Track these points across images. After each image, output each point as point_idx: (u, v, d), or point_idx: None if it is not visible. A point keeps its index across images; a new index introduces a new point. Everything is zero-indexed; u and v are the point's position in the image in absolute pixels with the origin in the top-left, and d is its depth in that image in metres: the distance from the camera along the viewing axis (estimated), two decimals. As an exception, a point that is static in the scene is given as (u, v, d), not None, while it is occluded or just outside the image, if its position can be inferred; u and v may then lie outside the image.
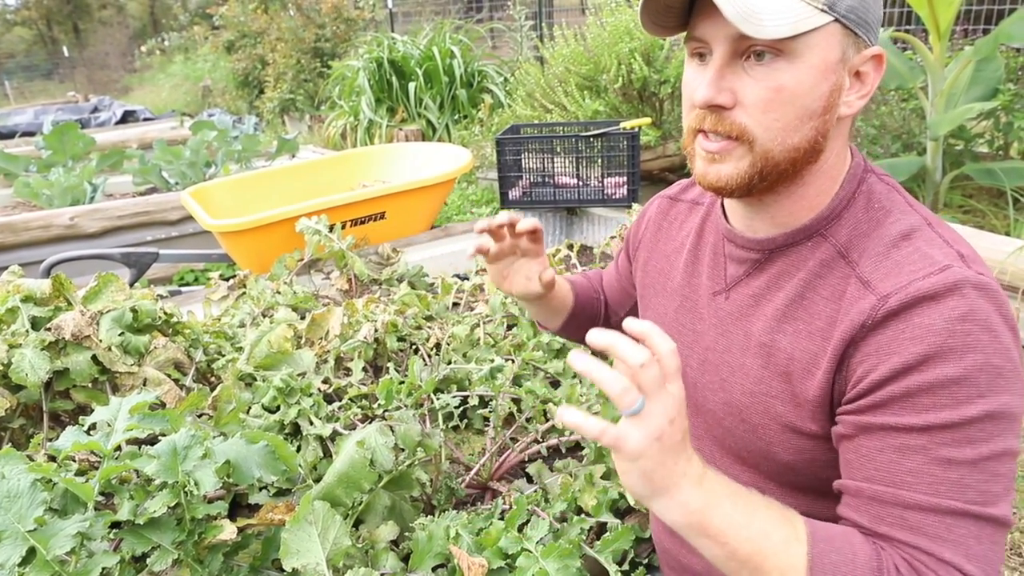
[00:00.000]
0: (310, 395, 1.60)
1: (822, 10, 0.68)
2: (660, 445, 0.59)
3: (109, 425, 1.16)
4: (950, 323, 0.66)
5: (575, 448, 1.71)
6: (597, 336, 0.60)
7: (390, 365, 1.93)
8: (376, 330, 1.94)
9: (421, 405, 1.69)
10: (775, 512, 0.66)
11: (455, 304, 2.52)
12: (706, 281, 0.90)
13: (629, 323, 0.61)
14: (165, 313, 1.77)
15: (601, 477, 1.46)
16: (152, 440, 1.33)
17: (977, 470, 0.65)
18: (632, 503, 1.38)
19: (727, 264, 0.87)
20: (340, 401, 1.70)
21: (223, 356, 1.85)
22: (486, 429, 1.75)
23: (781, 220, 0.80)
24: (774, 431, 0.80)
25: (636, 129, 3.39)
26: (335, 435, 1.51)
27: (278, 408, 1.60)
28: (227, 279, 2.66)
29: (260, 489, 1.38)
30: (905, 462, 0.67)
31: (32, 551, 0.96)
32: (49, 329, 1.55)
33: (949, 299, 0.66)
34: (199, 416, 1.57)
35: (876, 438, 0.69)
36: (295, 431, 1.57)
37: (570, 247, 3.02)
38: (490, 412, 1.74)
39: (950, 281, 0.67)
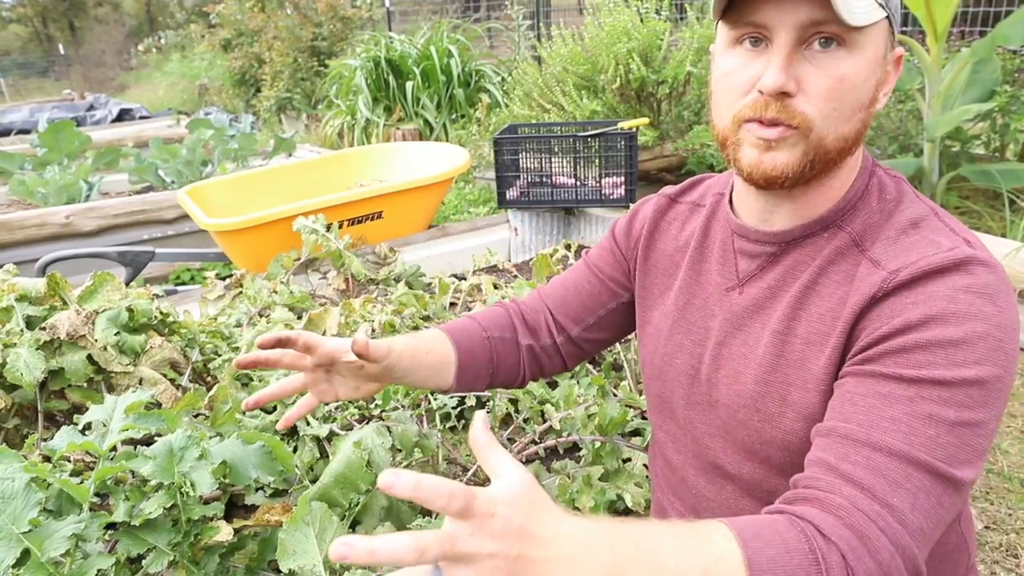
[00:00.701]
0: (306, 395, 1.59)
1: (880, 4, 0.70)
2: None
3: (104, 425, 1.15)
4: (955, 291, 0.68)
5: (573, 449, 1.71)
6: (346, 554, 0.48)
7: (387, 365, 1.92)
8: (373, 330, 1.93)
9: (418, 405, 1.69)
10: (686, 537, 0.58)
11: (452, 304, 2.51)
12: (716, 278, 0.90)
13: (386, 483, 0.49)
14: (161, 313, 1.76)
15: (599, 479, 1.46)
16: (148, 440, 1.33)
17: (952, 434, 0.65)
18: (630, 504, 1.38)
19: (738, 259, 0.87)
20: (337, 401, 1.69)
21: (219, 356, 1.85)
22: (483, 430, 1.75)
23: (803, 212, 0.81)
24: (789, 419, 0.80)
25: (634, 129, 3.39)
26: (332, 435, 1.51)
27: (274, 408, 1.59)
28: (223, 278, 2.66)
29: (257, 490, 1.38)
30: (887, 409, 0.67)
31: (27, 552, 0.96)
32: (44, 328, 1.54)
33: (955, 272, 0.69)
34: (195, 416, 1.57)
35: (864, 384, 0.70)
36: (291, 431, 1.56)
37: (567, 247, 3.02)
38: (487, 413, 1.73)
39: (959, 257, 0.69)
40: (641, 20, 4.35)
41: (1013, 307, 0.69)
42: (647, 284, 1.01)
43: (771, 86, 0.71)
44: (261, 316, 2.19)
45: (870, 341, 0.71)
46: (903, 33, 3.93)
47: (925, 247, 0.72)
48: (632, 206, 1.09)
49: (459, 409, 1.84)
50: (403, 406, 1.56)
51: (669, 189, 1.05)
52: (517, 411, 1.73)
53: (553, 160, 3.52)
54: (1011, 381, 0.69)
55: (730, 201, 0.90)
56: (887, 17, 0.72)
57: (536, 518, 0.53)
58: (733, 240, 0.88)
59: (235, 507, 1.40)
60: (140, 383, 1.60)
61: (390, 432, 1.35)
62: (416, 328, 2.14)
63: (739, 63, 0.75)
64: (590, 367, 1.97)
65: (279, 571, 1.06)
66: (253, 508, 1.34)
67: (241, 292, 2.48)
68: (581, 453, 1.58)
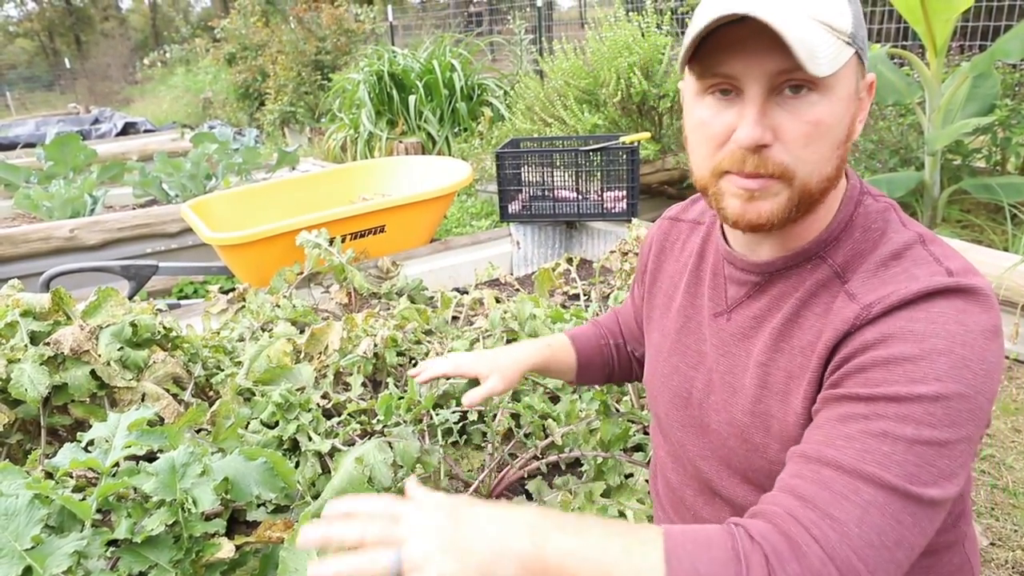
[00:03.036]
0: (309, 410, 1.60)
1: (847, 43, 0.69)
2: (448, 553, 0.60)
3: (107, 441, 1.15)
4: (915, 311, 0.67)
5: (574, 464, 1.70)
6: (307, 540, 0.64)
7: (389, 380, 1.92)
8: (375, 345, 1.94)
9: (420, 421, 1.69)
10: (613, 527, 0.64)
11: (455, 318, 2.51)
12: (708, 302, 0.90)
13: (329, 512, 0.66)
14: (164, 327, 1.77)
15: (601, 495, 1.45)
16: (150, 456, 1.33)
17: (911, 452, 0.63)
18: (632, 520, 1.38)
19: (727, 286, 0.88)
20: (339, 416, 1.69)
21: (222, 371, 1.85)
22: (485, 445, 1.75)
23: (786, 244, 0.81)
24: (775, 450, 0.80)
25: (635, 143, 3.40)
26: (334, 451, 1.51)
27: (277, 423, 1.59)
28: (226, 292, 2.66)
29: (258, 506, 1.38)
30: (843, 427, 0.67)
31: (29, 569, 0.96)
32: (48, 344, 1.54)
33: (923, 301, 0.68)
34: (198, 431, 1.57)
35: (828, 408, 0.70)
36: (294, 447, 1.56)
37: (569, 261, 3.03)
38: (488, 427, 1.73)
39: (930, 287, 0.68)
40: (643, 34, 4.38)
41: (987, 327, 0.67)
42: (652, 305, 1.03)
43: (747, 141, 0.70)
44: (264, 330, 2.20)
45: (834, 366, 0.71)
46: (903, 48, 3.95)
47: (902, 280, 0.70)
48: (649, 231, 1.11)
49: (460, 424, 1.84)
50: (405, 421, 1.56)
51: (672, 210, 1.06)
52: (519, 426, 1.73)
53: (555, 174, 3.53)
54: (984, 403, 0.65)
55: (722, 225, 0.90)
56: (857, 52, 0.70)
57: (460, 500, 0.66)
58: (724, 266, 0.88)
59: (237, 523, 1.40)
60: (143, 398, 1.61)
61: (392, 448, 1.35)
62: (418, 342, 2.14)
63: (711, 113, 0.73)
64: (592, 381, 1.97)
65: (280, 589, 1.06)
66: (255, 524, 1.34)
67: (244, 306, 2.49)
68: (583, 468, 1.58)
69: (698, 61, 0.72)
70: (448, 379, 1.70)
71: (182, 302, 3.33)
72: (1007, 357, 2.47)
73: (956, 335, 0.65)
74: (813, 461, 0.66)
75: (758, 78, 0.69)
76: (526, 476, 1.64)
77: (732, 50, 0.69)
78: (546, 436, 1.69)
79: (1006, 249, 2.99)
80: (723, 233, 0.89)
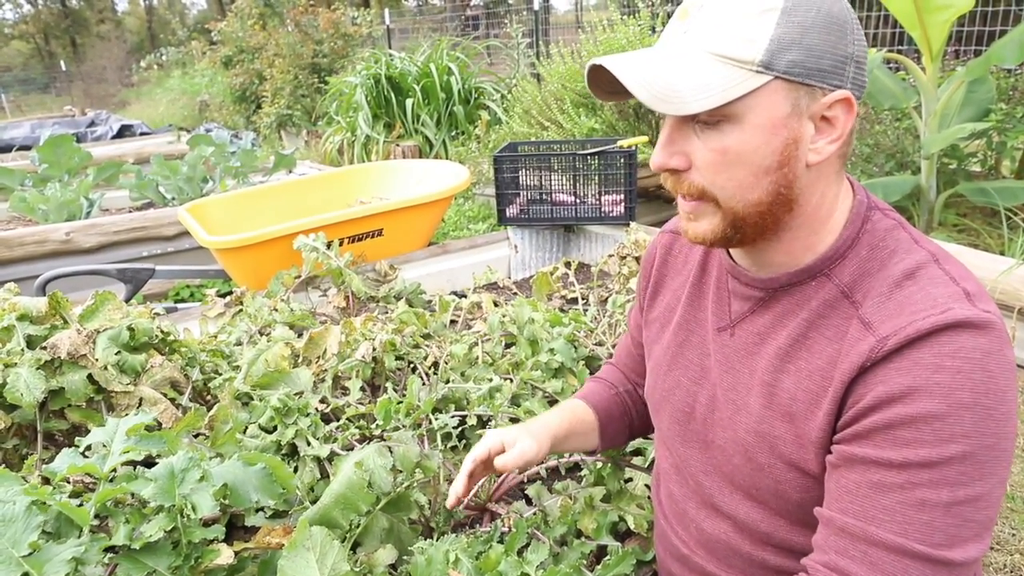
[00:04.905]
0: (307, 415, 1.59)
1: (758, 71, 0.68)
2: None
3: (105, 447, 1.15)
4: (940, 358, 0.65)
5: (574, 469, 1.70)
6: None
7: (388, 384, 1.92)
8: (374, 349, 1.93)
9: (419, 425, 1.68)
10: None
11: (453, 322, 2.51)
12: (711, 317, 0.90)
13: None
14: (162, 331, 1.76)
15: (601, 500, 1.45)
16: (147, 461, 1.32)
17: (950, 515, 0.64)
18: (632, 526, 1.37)
19: (731, 300, 0.87)
20: (338, 421, 1.69)
21: (220, 375, 1.84)
22: (484, 449, 1.74)
23: (780, 261, 0.80)
24: (780, 470, 0.79)
25: (633, 147, 3.41)
26: (333, 456, 1.50)
27: (275, 428, 1.59)
28: (224, 296, 2.66)
29: (257, 511, 1.37)
30: (880, 499, 0.67)
31: (26, 576, 0.95)
32: (45, 348, 1.54)
33: (943, 336, 0.65)
34: (196, 436, 1.56)
35: (857, 471, 0.69)
36: (292, 452, 1.56)
37: (567, 264, 3.02)
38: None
39: (950, 320, 0.66)
40: (639, 38, 4.39)
41: (1007, 367, 0.66)
42: (652, 319, 1.02)
43: (652, 165, 0.75)
44: (261, 334, 2.19)
45: (857, 412, 0.70)
46: (899, 52, 3.96)
47: (919, 303, 0.68)
48: (648, 247, 1.10)
49: (460, 429, 1.83)
50: (404, 426, 1.56)
51: (673, 222, 1.05)
52: (518, 430, 1.73)
53: (553, 178, 3.53)
54: (1009, 444, 0.66)
55: None
56: (778, 77, 0.68)
57: None
58: (727, 280, 0.87)
59: (235, 528, 1.39)
60: (140, 403, 1.60)
61: (391, 452, 1.34)
62: (417, 346, 2.14)
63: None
64: (591, 386, 1.97)
65: (280, 595, 1.05)
66: (253, 530, 1.33)
67: (241, 310, 2.48)
68: (583, 473, 1.58)
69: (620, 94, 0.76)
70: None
71: (179, 306, 3.32)
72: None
73: (980, 384, 0.64)
74: (859, 540, 0.68)
75: None
76: (526, 481, 1.64)
77: None
78: (545, 440, 1.69)
79: (1002, 253, 3.00)
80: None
